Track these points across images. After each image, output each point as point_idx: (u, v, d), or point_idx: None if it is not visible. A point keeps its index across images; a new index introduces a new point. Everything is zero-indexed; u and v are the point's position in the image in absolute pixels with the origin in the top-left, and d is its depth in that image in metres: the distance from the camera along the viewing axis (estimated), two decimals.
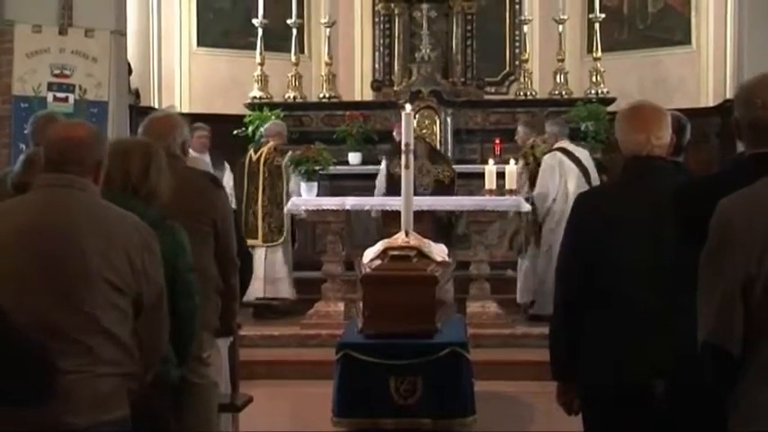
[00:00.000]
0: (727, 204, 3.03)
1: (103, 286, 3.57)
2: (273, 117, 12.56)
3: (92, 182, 3.74)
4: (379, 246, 7.18)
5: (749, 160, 3.38)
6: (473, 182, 11.35)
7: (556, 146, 10.69)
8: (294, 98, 13.35)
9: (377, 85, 13.72)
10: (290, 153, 10.73)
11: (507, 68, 14.46)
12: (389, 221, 9.86)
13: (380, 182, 11.09)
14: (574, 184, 10.31)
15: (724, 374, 3.00)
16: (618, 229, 4.11)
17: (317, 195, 10.55)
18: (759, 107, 3.34)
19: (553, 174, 10.47)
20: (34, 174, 4.22)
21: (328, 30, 13.51)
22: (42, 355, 3.22)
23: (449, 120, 12.79)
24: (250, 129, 12.58)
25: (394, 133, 10.92)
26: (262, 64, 13.23)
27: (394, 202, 9.19)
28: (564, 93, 13.15)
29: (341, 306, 9.96)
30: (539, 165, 10.66)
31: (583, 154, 10.77)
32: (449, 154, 12.64)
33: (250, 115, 12.74)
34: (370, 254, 7.22)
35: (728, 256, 2.96)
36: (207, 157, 10.40)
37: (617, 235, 4.10)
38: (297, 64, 13.41)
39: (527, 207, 10.19)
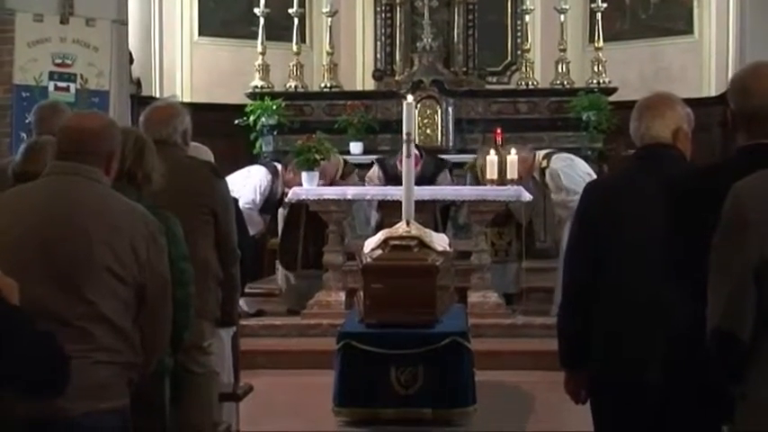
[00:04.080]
0: (741, 189, 3.00)
1: (106, 275, 3.58)
2: (275, 106, 12.57)
3: (103, 172, 3.74)
4: (380, 235, 7.19)
5: (745, 151, 3.36)
6: None
7: (543, 153, 10.43)
8: (295, 88, 13.32)
9: (378, 75, 13.70)
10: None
11: (509, 58, 14.42)
12: (388, 213, 9.86)
13: (374, 182, 11.00)
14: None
15: (733, 362, 2.97)
16: (622, 218, 4.12)
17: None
18: (755, 97, 3.32)
19: (579, 171, 10.21)
20: (35, 163, 4.24)
21: (330, 19, 13.47)
22: (56, 346, 3.23)
23: (450, 109, 12.77)
24: (251, 118, 12.59)
25: (397, 162, 10.73)
26: (263, 53, 13.20)
27: (395, 192, 9.18)
28: (565, 82, 13.11)
29: (342, 296, 9.95)
30: None
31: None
32: (450, 144, 12.64)
33: (251, 105, 12.74)
34: (371, 243, 7.23)
35: (742, 238, 2.93)
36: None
37: (621, 224, 4.12)
38: (298, 53, 13.38)
39: (528, 197, 10.14)
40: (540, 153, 10.50)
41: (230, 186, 9.73)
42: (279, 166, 10.58)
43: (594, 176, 9.94)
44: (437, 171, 10.85)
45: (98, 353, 3.56)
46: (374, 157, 11.68)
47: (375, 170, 11.10)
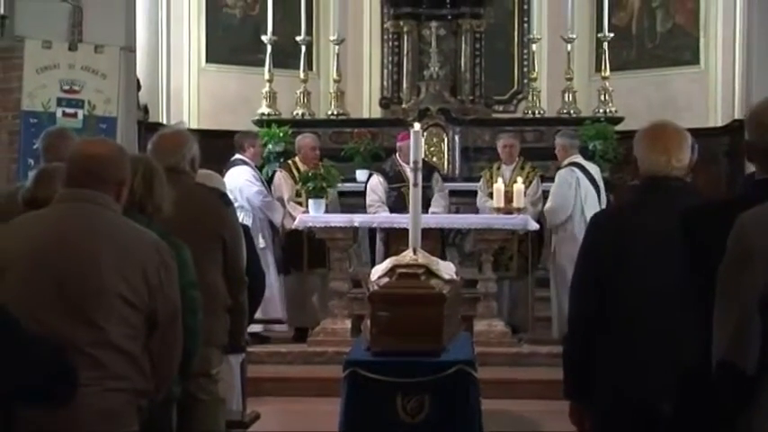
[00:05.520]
0: (747, 218, 3.01)
1: (117, 302, 3.58)
2: (281, 134, 12.58)
3: (113, 199, 3.75)
4: (388, 263, 7.18)
5: (762, 185, 3.35)
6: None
7: (568, 160, 10.63)
8: (302, 115, 13.33)
9: (385, 103, 13.72)
10: None
11: (515, 87, 14.46)
12: (394, 238, 9.87)
13: (378, 192, 10.99)
14: (590, 203, 10.26)
15: (739, 394, 2.97)
16: (632, 250, 4.11)
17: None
18: None
19: (570, 189, 10.37)
20: (45, 189, 4.25)
21: (337, 47, 13.50)
22: (60, 355, 3.23)
23: (457, 138, 12.78)
24: None
25: (398, 144, 10.90)
26: (270, 81, 13.22)
27: (401, 220, 9.19)
28: (572, 112, 13.10)
29: (347, 323, 9.96)
30: None
31: (594, 169, 10.75)
32: (456, 172, 12.66)
33: (258, 132, 12.74)
34: (378, 271, 7.22)
35: (747, 269, 2.93)
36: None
37: (631, 256, 4.11)
38: (305, 81, 13.41)
39: (534, 225, 10.17)
40: (573, 158, 10.58)
41: (240, 187, 10.08)
42: (240, 157, 10.74)
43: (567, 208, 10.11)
44: (429, 174, 10.83)
45: (108, 380, 3.56)
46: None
47: (375, 179, 11.07)
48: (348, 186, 11.83)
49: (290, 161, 11.31)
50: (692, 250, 3.42)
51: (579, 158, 10.73)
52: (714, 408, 3.08)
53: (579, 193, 10.37)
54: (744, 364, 2.92)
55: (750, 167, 3.57)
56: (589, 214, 9.84)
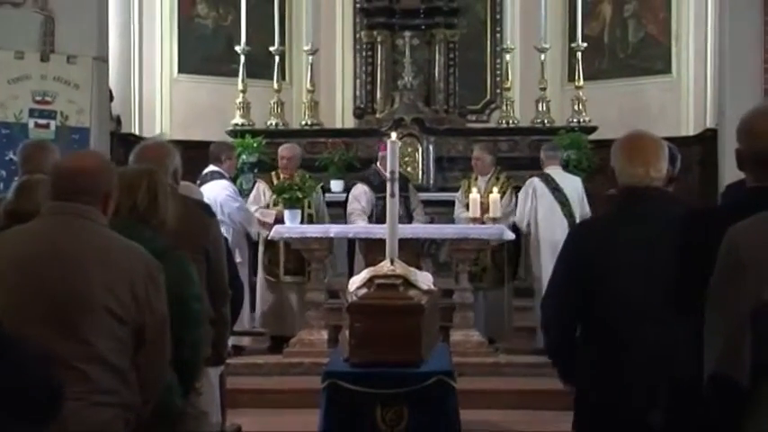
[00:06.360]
0: (738, 230, 3.01)
1: (105, 315, 3.56)
2: (255, 144, 12.55)
3: (100, 212, 3.73)
4: (365, 274, 7.16)
5: (753, 193, 3.35)
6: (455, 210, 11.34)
7: (545, 170, 10.74)
8: (276, 125, 13.30)
9: (359, 113, 13.72)
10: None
11: (489, 96, 14.51)
12: (371, 248, 9.84)
13: (361, 202, 10.95)
14: (543, 212, 10.38)
15: (731, 407, 2.97)
16: (614, 260, 4.11)
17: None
18: (761, 139, 3.32)
19: (525, 199, 10.52)
20: (28, 201, 4.22)
21: (311, 57, 13.49)
22: (47, 370, 3.21)
23: (431, 147, 12.79)
24: None
25: (380, 153, 10.89)
26: (244, 91, 13.19)
27: (378, 230, 9.17)
28: (546, 121, 13.14)
29: (324, 334, 9.92)
30: None
31: (567, 181, 10.76)
32: (431, 182, 12.66)
33: (232, 142, 12.70)
34: (355, 282, 7.20)
35: (739, 281, 2.93)
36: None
37: (613, 266, 4.10)
38: (279, 91, 13.39)
39: (510, 235, 10.18)
40: (547, 169, 10.73)
41: (221, 202, 10.02)
42: (217, 169, 10.66)
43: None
44: (404, 183, 10.80)
45: (96, 394, 3.54)
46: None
47: (360, 188, 11.02)
48: None
49: (273, 172, 11.26)
50: (684, 255, 3.42)
51: (553, 169, 10.77)
52: (706, 419, 3.08)
53: (534, 203, 10.46)
54: (739, 377, 2.92)
55: (727, 177, 3.59)
56: (544, 226, 10.16)
